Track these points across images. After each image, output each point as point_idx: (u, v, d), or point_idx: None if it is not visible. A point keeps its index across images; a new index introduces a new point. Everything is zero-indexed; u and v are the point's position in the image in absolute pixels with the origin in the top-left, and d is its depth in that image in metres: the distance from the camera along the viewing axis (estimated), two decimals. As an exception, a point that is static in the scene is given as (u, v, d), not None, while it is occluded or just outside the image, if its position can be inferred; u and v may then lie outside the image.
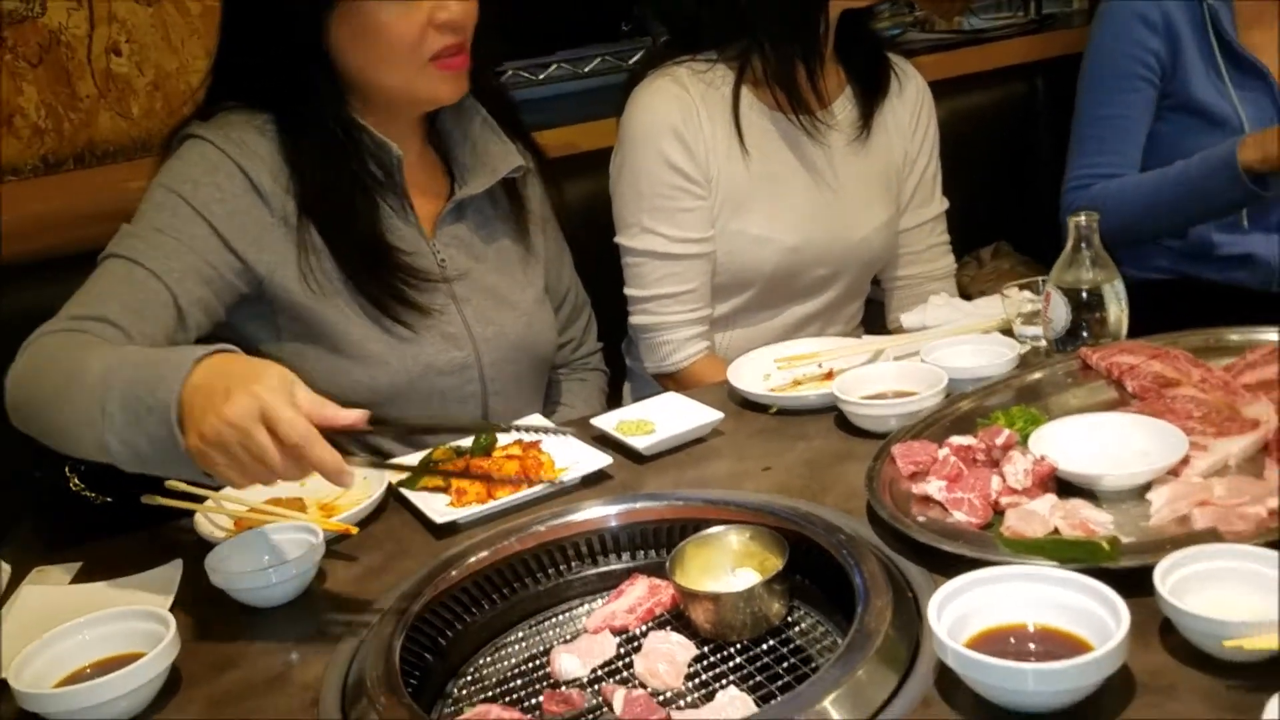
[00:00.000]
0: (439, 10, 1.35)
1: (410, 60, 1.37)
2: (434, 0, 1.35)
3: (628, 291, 1.71)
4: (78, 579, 1.21)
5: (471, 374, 1.50)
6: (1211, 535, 0.94)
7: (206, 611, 1.11)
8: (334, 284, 1.41)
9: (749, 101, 1.65)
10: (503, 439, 1.34)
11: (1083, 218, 1.32)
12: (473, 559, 1.10)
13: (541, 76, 2.12)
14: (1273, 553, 0.84)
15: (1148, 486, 1.04)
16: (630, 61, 2.12)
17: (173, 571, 1.18)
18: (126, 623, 1.01)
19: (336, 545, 1.20)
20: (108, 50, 1.77)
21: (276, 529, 1.17)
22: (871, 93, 1.72)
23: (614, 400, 1.87)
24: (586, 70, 2.09)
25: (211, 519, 1.25)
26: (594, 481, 1.27)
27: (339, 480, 1.00)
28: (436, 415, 1.47)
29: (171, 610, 1.06)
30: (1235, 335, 1.31)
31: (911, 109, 1.77)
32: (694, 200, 1.64)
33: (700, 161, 1.62)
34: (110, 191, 1.71)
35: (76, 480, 1.51)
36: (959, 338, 1.43)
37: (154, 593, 1.14)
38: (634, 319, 1.72)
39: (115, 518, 1.42)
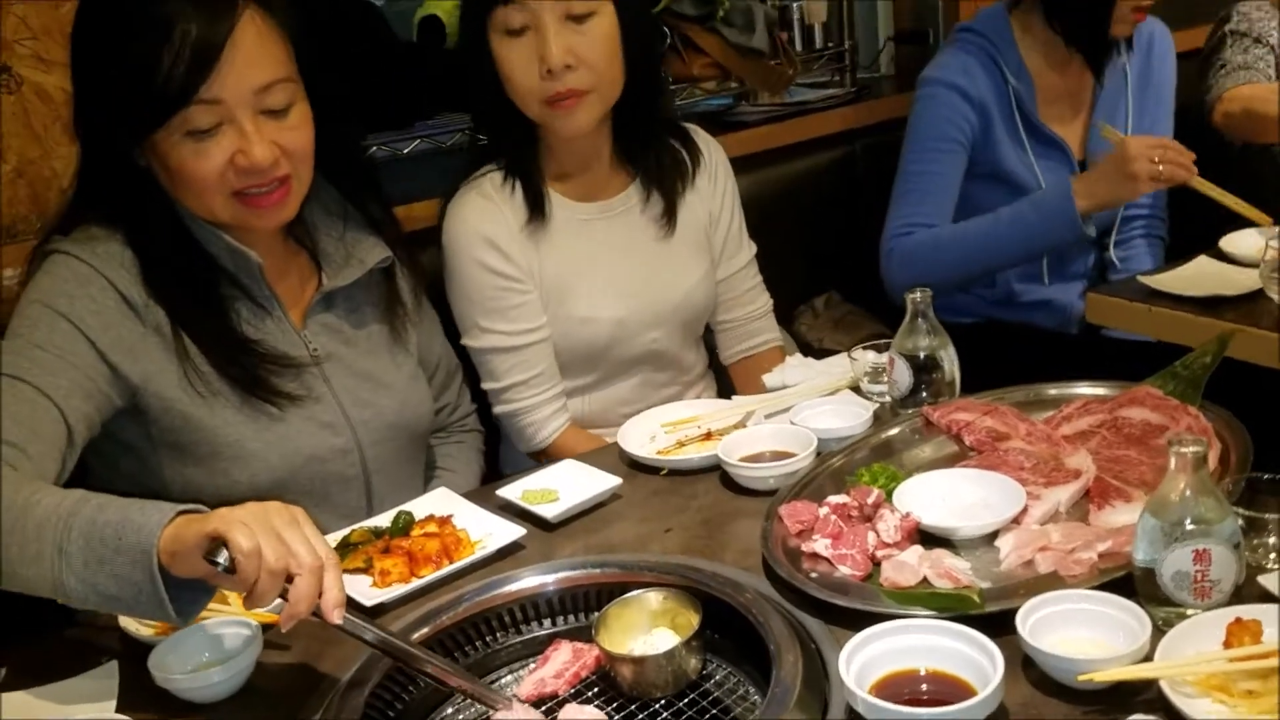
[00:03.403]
0: (239, 155, 1.36)
1: (214, 195, 1.39)
2: (238, 142, 1.36)
3: (484, 386, 1.80)
4: (5, 687, 1.22)
5: (352, 458, 1.54)
6: (1054, 578, 1.14)
7: (152, 711, 1.15)
8: (213, 386, 1.43)
9: (554, 196, 1.77)
10: (417, 515, 1.42)
11: (918, 294, 1.51)
12: (416, 634, 1.18)
13: (405, 151, 2.21)
14: (1109, 595, 1.03)
15: (995, 534, 1.24)
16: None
17: (109, 673, 1.21)
18: (89, 733, 1.06)
19: (267, 633, 1.24)
20: (-30, 140, 1.76)
21: (211, 624, 1.22)
22: (670, 181, 1.83)
23: (490, 458, 1.96)
24: (448, 144, 2.19)
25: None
26: (508, 552, 1.37)
27: (331, 615, 1.06)
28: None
29: (117, 712, 1.11)
30: (1053, 390, 1.52)
31: (708, 173, 1.88)
32: (521, 296, 1.74)
33: (517, 261, 1.73)
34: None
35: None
36: (818, 398, 1.60)
37: (95, 696, 1.17)
38: (496, 410, 1.80)
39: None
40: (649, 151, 1.82)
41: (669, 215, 1.82)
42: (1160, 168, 1.90)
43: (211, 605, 1.26)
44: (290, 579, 1.06)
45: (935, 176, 2.16)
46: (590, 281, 1.78)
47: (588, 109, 1.68)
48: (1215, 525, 1.01)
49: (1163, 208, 2.31)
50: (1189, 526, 1.02)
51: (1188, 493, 1.02)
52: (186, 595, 1.11)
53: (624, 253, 1.81)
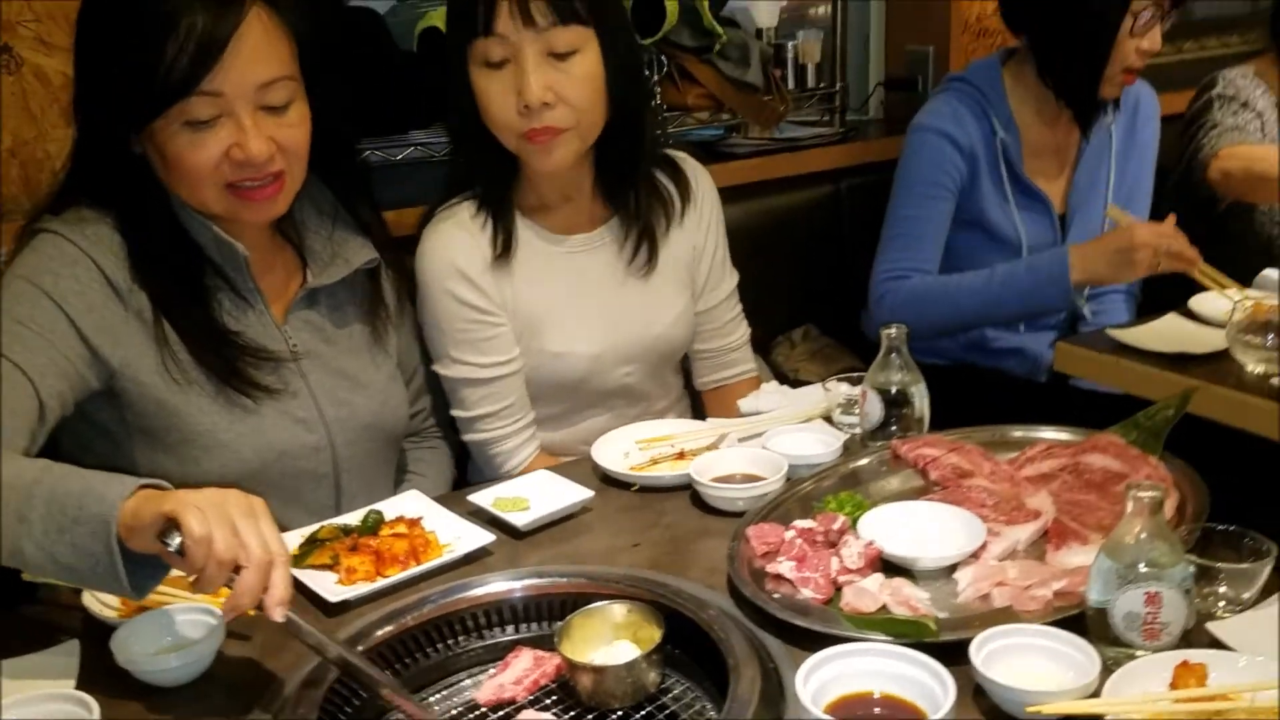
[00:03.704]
0: (235, 149, 1.38)
1: (207, 186, 1.40)
2: (234, 135, 1.38)
3: (453, 414, 1.78)
4: (-36, 661, 1.22)
5: (324, 456, 1.55)
6: (1008, 612, 1.16)
7: (110, 690, 1.15)
8: (190, 374, 1.44)
9: (531, 227, 1.76)
10: (388, 515, 1.43)
11: (893, 330, 1.54)
12: (379, 633, 1.19)
13: (399, 158, 2.23)
14: (1060, 631, 1.06)
15: (954, 567, 1.26)
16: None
17: (69, 651, 1.21)
18: (46, 705, 1.06)
19: (229, 622, 1.25)
20: (-35, 118, 1.77)
21: (176, 609, 1.22)
22: (651, 217, 1.80)
23: (460, 467, 1.97)
24: (441, 155, 2.20)
25: (100, 598, 1.28)
26: (476, 557, 1.38)
27: (273, 611, 1.07)
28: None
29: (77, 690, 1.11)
30: (1018, 432, 1.55)
31: (694, 204, 1.85)
32: (493, 328, 1.73)
33: (490, 293, 1.71)
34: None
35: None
36: (791, 425, 1.63)
37: (54, 673, 1.17)
38: (464, 437, 1.79)
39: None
40: (629, 188, 1.79)
41: (649, 251, 1.80)
42: (1162, 259, 1.93)
43: (176, 592, 1.27)
44: (238, 570, 1.07)
45: (924, 221, 2.19)
46: (566, 316, 1.77)
47: (565, 146, 1.65)
48: (1168, 569, 1.04)
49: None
50: (1142, 569, 1.05)
51: (1143, 536, 1.05)
52: (143, 570, 1.11)
53: (601, 287, 1.79)
